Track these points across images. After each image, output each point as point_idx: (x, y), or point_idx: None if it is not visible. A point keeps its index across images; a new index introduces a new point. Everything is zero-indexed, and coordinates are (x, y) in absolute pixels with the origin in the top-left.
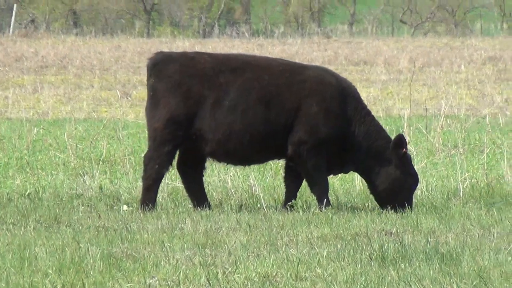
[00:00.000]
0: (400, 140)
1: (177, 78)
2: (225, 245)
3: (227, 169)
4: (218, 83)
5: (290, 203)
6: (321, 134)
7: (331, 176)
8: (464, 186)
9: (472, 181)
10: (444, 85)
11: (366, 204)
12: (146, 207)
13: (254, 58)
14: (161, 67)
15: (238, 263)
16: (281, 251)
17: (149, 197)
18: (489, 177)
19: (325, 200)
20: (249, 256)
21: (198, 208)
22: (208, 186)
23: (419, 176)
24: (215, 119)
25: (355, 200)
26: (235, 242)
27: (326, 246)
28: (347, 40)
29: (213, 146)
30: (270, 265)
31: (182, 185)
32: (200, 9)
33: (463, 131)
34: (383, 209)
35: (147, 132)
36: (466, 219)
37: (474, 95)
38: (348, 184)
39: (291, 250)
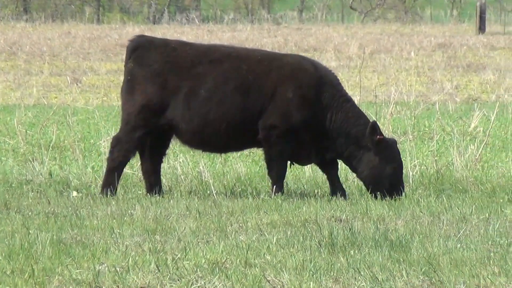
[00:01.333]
0: (373, 127)
1: (157, 68)
2: (175, 232)
3: (177, 155)
4: (195, 73)
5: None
6: (293, 121)
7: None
8: (414, 173)
9: (422, 168)
10: (394, 72)
11: (316, 191)
12: (107, 190)
13: (234, 49)
14: (142, 54)
15: (188, 249)
16: (230, 238)
17: (111, 180)
18: (438, 164)
19: (279, 187)
20: (198, 242)
21: (150, 192)
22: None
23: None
24: (189, 109)
25: (305, 186)
26: (184, 228)
27: (276, 232)
28: (297, 27)
29: (187, 136)
30: (220, 252)
31: (132, 171)
32: None
33: (413, 118)
34: (372, 196)
35: (121, 114)
36: (416, 206)
37: (424, 82)
38: (298, 171)
39: (240, 237)
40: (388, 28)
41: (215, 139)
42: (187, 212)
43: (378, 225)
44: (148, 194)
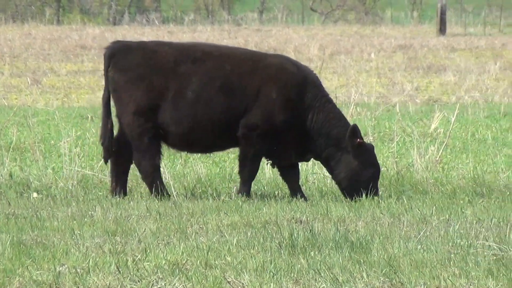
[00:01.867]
0: (354, 130)
1: (139, 71)
2: (135, 233)
3: None
4: (179, 73)
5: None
6: (275, 122)
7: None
8: None
9: (382, 169)
10: (354, 73)
11: (276, 192)
12: (162, 197)
13: (216, 47)
14: (120, 59)
15: (148, 250)
16: (191, 239)
17: (158, 189)
18: (399, 165)
19: (247, 187)
20: (159, 243)
21: (113, 193)
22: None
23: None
24: (178, 111)
25: (265, 188)
26: (145, 229)
27: (236, 234)
28: (257, 28)
29: (175, 138)
30: (180, 253)
31: (92, 172)
32: None
33: (373, 119)
34: (346, 199)
35: (102, 124)
36: (376, 207)
37: (384, 83)
38: (258, 172)
39: (201, 238)
40: (349, 29)
41: (203, 140)
42: (147, 214)
43: (339, 226)
44: (111, 194)
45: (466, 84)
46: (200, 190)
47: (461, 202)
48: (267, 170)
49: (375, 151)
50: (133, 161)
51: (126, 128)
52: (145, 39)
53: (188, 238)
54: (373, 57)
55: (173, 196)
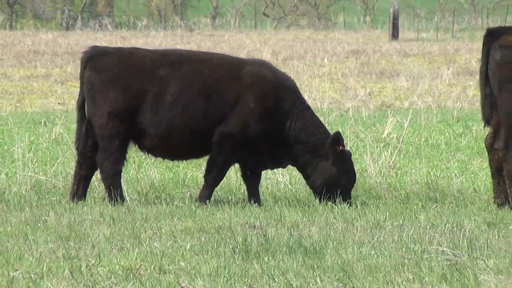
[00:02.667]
0: (337, 137)
1: (115, 72)
2: (89, 238)
3: None
4: (158, 76)
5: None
6: (251, 132)
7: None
8: None
9: None
10: (308, 78)
11: (230, 197)
12: (116, 202)
13: (193, 52)
14: (98, 60)
15: (102, 256)
16: (144, 244)
17: (114, 194)
18: None
19: (209, 193)
20: (112, 249)
21: (74, 199)
22: (71, 178)
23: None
24: (157, 114)
25: (219, 193)
26: (98, 235)
27: (190, 239)
28: (210, 33)
29: (154, 141)
30: (134, 258)
31: (45, 177)
32: (63, 2)
33: (327, 124)
34: (320, 202)
35: (77, 127)
36: (330, 212)
37: (337, 89)
38: None
39: (154, 243)
40: (301, 34)
41: (180, 145)
42: (101, 219)
43: (292, 232)
44: (70, 198)
45: (419, 89)
46: (154, 195)
47: (415, 207)
48: None
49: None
50: (96, 160)
51: (98, 129)
52: (97, 43)
53: (142, 243)
54: (326, 62)
55: (127, 201)
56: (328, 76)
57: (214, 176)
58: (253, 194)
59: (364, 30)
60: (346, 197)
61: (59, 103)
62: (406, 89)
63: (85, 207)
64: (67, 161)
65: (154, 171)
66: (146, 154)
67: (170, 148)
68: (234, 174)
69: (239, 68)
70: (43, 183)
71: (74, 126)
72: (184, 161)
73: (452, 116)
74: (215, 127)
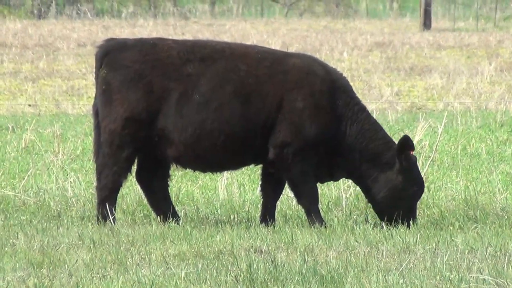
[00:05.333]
0: (407, 141)
1: (137, 68)
2: (65, 265)
3: (67, 174)
4: (185, 73)
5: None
6: (308, 135)
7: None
8: (348, 195)
9: (357, 189)
10: None
11: (232, 217)
12: (103, 222)
13: (228, 44)
14: (116, 56)
15: (80, 286)
16: (131, 272)
17: (105, 210)
18: None
19: (316, 213)
20: (93, 277)
21: (165, 221)
22: (44, 194)
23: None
24: (182, 117)
25: (219, 211)
26: (76, 261)
27: (185, 266)
28: (209, 22)
29: (179, 149)
30: None
31: (14, 192)
32: None
33: None
34: (382, 222)
35: (94, 134)
36: (350, 234)
37: (359, 87)
38: (210, 193)
39: (142, 271)
40: (316, 23)
41: (211, 154)
42: (79, 242)
43: (306, 257)
44: (163, 224)
45: (456, 88)
46: (142, 214)
47: (450, 228)
48: (220, 190)
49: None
50: (96, 166)
51: (107, 134)
52: (75, 34)
53: (127, 271)
54: (346, 57)
55: (110, 221)
56: (349, 72)
57: (305, 196)
58: (270, 213)
59: (391, 18)
60: (412, 211)
61: (29, 105)
62: (440, 88)
63: (60, 228)
64: (39, 174)
65: None
66: (173, 165)
67: (199, 158)
68: (236, 189)
69: (284, 62)
70: (11, 200)
71: (47, 132)
72: (218, 173)
73: (495, 120)
74: (256, 134)
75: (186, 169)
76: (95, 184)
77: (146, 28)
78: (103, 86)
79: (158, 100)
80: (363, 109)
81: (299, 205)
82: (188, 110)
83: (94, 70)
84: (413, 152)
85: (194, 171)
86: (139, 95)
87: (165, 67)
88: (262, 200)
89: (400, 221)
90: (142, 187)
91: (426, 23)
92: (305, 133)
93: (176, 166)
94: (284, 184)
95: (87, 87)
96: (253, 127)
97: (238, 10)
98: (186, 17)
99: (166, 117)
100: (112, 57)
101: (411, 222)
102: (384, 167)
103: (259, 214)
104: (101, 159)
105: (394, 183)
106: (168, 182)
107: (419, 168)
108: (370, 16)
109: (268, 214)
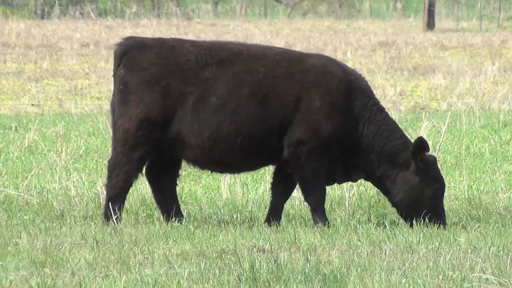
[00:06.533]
0: (422, 143)
1: (155, 71)
2: (68, 264)
3: (70, 174)
4: (203, 77)
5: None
6: (323, 134)
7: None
8: (351, 195)
9: (360, 188)
10: None
11: (235, 216)
12: (110, 220)
13: (246, 46)
14: (134, 56)
15: (83, 285)
16: (134, 271)
17: (113, 209)
18: None
19: (321, 213)
20: (96, 277)
21: (168, 221)
22: (47, 193)
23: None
24: (198, 120)
25: (222, 211)
26: (79, 260)
27: (187, 265)
28: (212, 22)
29: (195, 152)
30: None
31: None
32: None
33: None
34: (408, 224)
35: (112, 132)
36: (353, 234)
37: None
38: (213, 193)
39: (145, 270)
40: (320, 24)
41: (229, 156)
42: (82, 241)
43: (309, 256)
44: (166, 223)
45: (459, 88)
46: (145, 214)
47: (454, 227)
48: (223, 190)
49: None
50: (107, 165)
51: (122, 133)
52: (78, 34)
53: (130, 270)
54: (349, 57)
55: (113, 220)
56: None
57: (314, 195)
58: (276, 213)
59: (394, 18)
60: (438, 210)
61: (32, 105)
62: (443, 88)
63: (63, 227)
64: (42, 174)
65: (145, 185)
66: (190, 166)
67: (216, 160)
68: (239, 189)
69: (302, 62)
70: (14, 199)
71: (50, 132)
72: (236, 174)
73: (498, 120)
74: (273, 134)
75: (203, 170)
76: (102, 182)
77: (149, 28)
78: (121, 86)
79: (174, 104)
80: (381, 110)
81: (306, 203)
82: (205, 113)
83: (95, 69)
84: (428, 152)
85: (211, 172)
86: (155, 98)
87: (183, 71)
88: (271, 199)
89: (428, 221)
90: (151, 185)
91: (430, 23)
92: (320, 132)
93: (194, 167)
94: (295, 187)
95: (90, 87)
96: (270, 127)
97: (241, 10)
98: (189, 17)
99: (181, 121)
100: (130, 57)
101: (439, 222)
102: (402, 168)
103: (266, 213)
104: (114, 158)
105: (412, 184)
106: (177, 182)
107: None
108: (374, 16)
109: (274, 215)
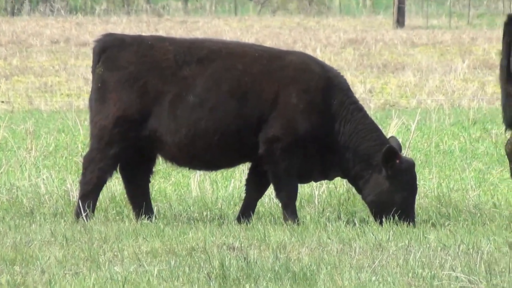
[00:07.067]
0: (390, 152)
1: (133, 70)
2: (38, 262)
3: (39, 171)
4: (181, 76)
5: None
6: (299, 131)
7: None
8: (320, 192)
9: (330, 186)
10: None
11: (205, 214)
12: (81, 217)
13: (225, 44)
14: (113, 54)
15: (53, 282)
16: (103, 269)
17: (85, 205)
18: None
19: (292, 210)
20: (66, 274)
21: (139, 218)
22: (16, 191)
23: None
24: (175, 119)
25: (191, 208)
26: (49, 257)
27: (157, 262)
28: (182, 19)
29: (173, 150)
30: (91, 285)
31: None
32: None
33: None
34: (378, 222)
35: (90, 129)
36: (323, 231)
37: None
38: (183, 190)
39: (115, 268)
40: (289, 21)
41: (207, 153)
42: (52, 239)
43: (278, 254)
44: (136, 219)
45: (429, 86)
46: (115, 211)
47: (423, 225)
48: (193, 187)
49: (414, 169)
50: (83, 160)
51: (98, 130)
52: (48, 31)
53: (100, 268)
54: (319, 54)
55: (83, 218)
56: None
57: (285, 191)
58: (248, 211)
59: (364, 15)
60: (408, 214)
61: (2, 102)
62: (413, 85)
63: (33, 225)
64: (12, 171)
65: (115, 182)
66: (169, 163)
67: (194, 157)
68: (209, 186)
69: (281, 59)
70: None
71: (20, 129)
72: (214, 171)
73: (468, 117)
74: (252, 131)
75: (181, 167)
76: (73, 179)
77: (119, 25)
78: (99, 84)
79: (152, 102)
80: (359, 108)
81: (277, 199)
82: (182, 111)
83: (65, 66)
84: (400, 158)
85: (189, 169)
86: (133, 97)
87: (161, 70)
88: (245, 196)
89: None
90: (124, 180)
91: (400, 21)
92: (296, 129)
93: (171, 164)
94: (269, 185)
95: (60, 84)
96: (249, 124)
97: (211, 7)
98: (159, 14)
99: (159, 119)
100: (109, 55)
101: (408, 222)
102: (375, 170)
103: (238, 210)
104: (89, 154)
105: (382, 188)
106: (151, 178)
107: None
108: (343, 13)
109: (246, 212)
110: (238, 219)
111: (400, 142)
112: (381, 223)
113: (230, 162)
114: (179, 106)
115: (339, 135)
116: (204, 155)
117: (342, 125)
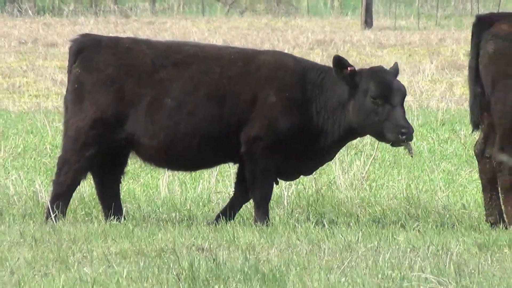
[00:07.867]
0: (338, 60)
1: (110, 73)
2: (7, 263)
3: (8, 172)
4: (158, 79)
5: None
6: (280, 130)
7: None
8: (289, 194)
9: (299, 187)
10: None
11: (174, 215)
12: (50, 218)
13: (201, 47)
14: (90, 56)
15: (22, 283)
16: (72, 270)
17: (57, 206)
18: (318, 182)
19: (264, 210)
20: (35, 275)
21: (108, 219)
22: None
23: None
24: (153, 122)
25: (160, 209)
26: (18, 259)
27: (126, 264)
28: (149, 20)
29: (151, 152)
30: (60, 286)
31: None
32: None
33: None
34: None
35: (64, 129)
36: (292, 233)
37: None
38: (152, 191)
39: (84, 269)
40: (257, 21)
41: (186, 156)
42: (21, 240)
43: (248, 255)
44: (105, 220)
45: None
46: (83, 212)
47: (392, 226)
48: (162, 188)
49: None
50: (57, 160)
51: (74, 131)
52: (16, 32)
53: (69, 269)
54: None
55: (52, 219)
56: None
57: (260, 191)
58: (232, 210)
59: (332, 16)
60: (396, 120)
61: None
62: None
63: (2, 226)
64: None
65: (84, 183)
66: (148, 164)
67: (173, 159)
68: (178, 187)
69: (254, 59)
70: None
71: None
72: (193, 171)
73: (436, 118)
74: (232, 133)
75: (159, 168)
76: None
77: (87, 26)
78: (75, 85)
79: (128, 105)
80: (324, 70)
81: (251, 198)
82: (160, 115)
83: (33, 67)
84: (351, 67)
85: (167, 170)
86: (110, 100)
87: (138, 73)
88: (232, 197)
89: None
90: (94, 179)
91: (367, 21)
92: (276, 128)
93: (150, 165)
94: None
95: (28, 85)
96: (228, 127)
97: (179, 8)
98: (127, 15)
99: (136, 122)
100: (86, 56)
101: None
102: (346, 105)
103: (220, 210)
104: (64, 155)
105: (358, 108)
106: (122, 179)
107: (361, 166)
108: (311, 14)
109: (226, 213)
110: (217, 218)
111: (398, 67)
112: (392, 141)
113: (210, 163)
114: (157, 110)
115: (318, 112)
116: (183, 157)
117: (317, 101)
